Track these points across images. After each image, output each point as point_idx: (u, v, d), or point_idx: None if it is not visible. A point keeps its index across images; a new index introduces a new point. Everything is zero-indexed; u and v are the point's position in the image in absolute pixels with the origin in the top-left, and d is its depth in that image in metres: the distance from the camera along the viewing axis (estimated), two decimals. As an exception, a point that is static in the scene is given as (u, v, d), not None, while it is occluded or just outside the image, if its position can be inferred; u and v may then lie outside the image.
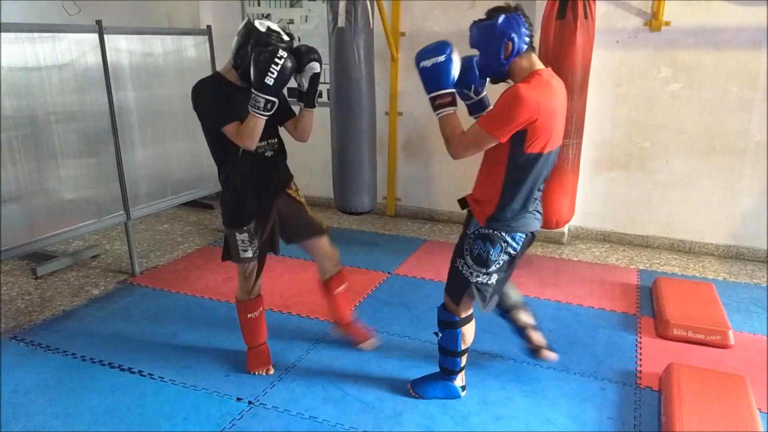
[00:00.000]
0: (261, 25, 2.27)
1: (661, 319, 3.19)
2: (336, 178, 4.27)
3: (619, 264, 4.21)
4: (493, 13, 2.07)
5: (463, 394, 2.58)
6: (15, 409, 2.50)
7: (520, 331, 2.73)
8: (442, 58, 2.07)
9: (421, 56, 2.13)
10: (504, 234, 2.21)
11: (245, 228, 2.52)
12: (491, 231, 2.22)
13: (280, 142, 2.60)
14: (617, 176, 4.50)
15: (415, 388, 2.60)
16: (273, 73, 2.18)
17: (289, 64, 2.21)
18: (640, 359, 2.92)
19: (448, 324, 2.42)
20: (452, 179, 5.00)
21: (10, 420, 2.43)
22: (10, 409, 2.51)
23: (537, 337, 2.73)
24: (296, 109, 2.61)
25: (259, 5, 5.32)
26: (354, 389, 2.66)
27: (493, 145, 2.08)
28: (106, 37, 3.58)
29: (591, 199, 4.62)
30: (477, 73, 2.22)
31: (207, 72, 4.45)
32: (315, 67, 2.36)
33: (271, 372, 2.76)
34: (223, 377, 2.75)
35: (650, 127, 4.35)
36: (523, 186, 2.14)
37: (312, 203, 5.62)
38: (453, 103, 2.13)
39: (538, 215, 2.29)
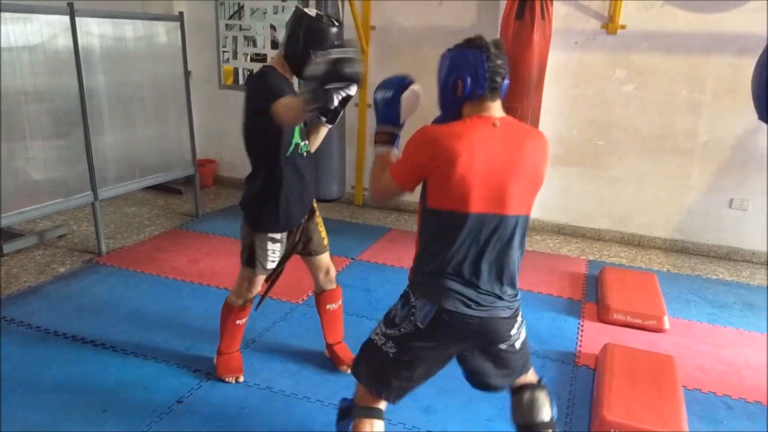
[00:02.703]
0: (311, 12, 2.20)
1: (603, 304, 3.40)
2: (305, 166, 4.40)
3: (570, 255, 4.43)
4: (460, 44, 1.76)
5: None
6: (-22, 377, 2.59)
7: None
8: (389, 93, 1.88)
9: (377, 88, 1.93)
10: (413, 296, 1.79)
11: (278, 237, 2.43)
12: (407, 287, 1.85)
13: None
14: (573, 172, 4.70)
15: None
16: (339, 97, 2.11)
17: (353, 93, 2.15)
18: (581, 340, 3.12)
19: (341, 411, 1.97)
20: (418, 171, 5.16)
21: (-26, 387, 2.52)
22: (-27, 377, 2.59)
23: None
24: None
25: (233, -6, 5.40)
26: (311, 364, 2.80)
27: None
28: (77, 20, 3.65)
29: (548, 193, 4.79)
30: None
31: (178, 58, 4.53)
32: (352, 90, 2.18)
33: (241, 380, 2.64)
34: (185, 351, 2.86)
35: (605, 126, 4.57)
36: (437, 246, 1.74)
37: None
38: (389, 142, 1.89)
39: (465, 296, 1.72)
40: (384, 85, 1.90)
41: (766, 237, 4.32)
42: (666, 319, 3.26)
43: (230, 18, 5.46)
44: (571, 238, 4.80)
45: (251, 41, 5.45)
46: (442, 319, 1.74)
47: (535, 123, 4.03)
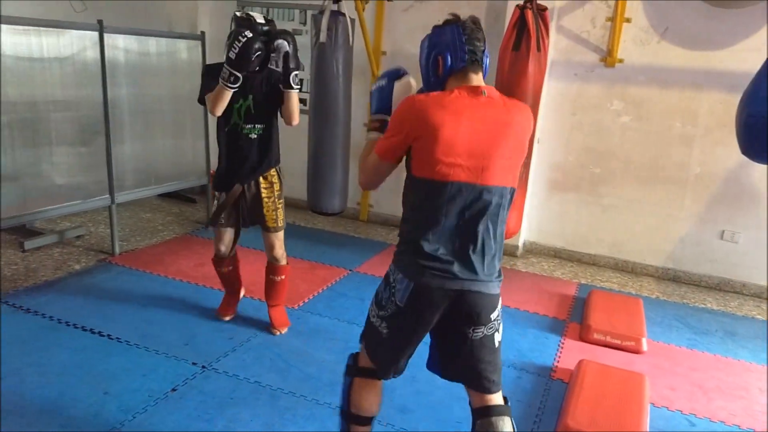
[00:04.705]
0: (242, 14, 2.79)
1: (585, 324, 3.54)
2: (310, 180, 4.61)
3: (563, 278, 4.56)
4: (437, 24, 1.85)
5: None
6: (-7, 358, 2.82)
7: None
8: (383, 82, 1.97)
9: (376, 79, 2.05)
10: (392, 275, 1.84)
11: (217, 195, 3.07)
12: (390, 265, 1.89)
13: (268, 130, 3.00)
14: (569, 198, 4.87)
15: None
16: (235, 48, 2.60)
17: (251, 42, 2.62)
18: (559, 357, 3.26)
19: (347, 366, 2.10)
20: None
21: (-11, 366, 2.75)
22: (-11, 357, 2.82)
23: None
24: None
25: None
26: (298, 363, 2.99)
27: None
28: (105, 35, 3.94)
29: (545, 218, 4.99)
30: None
31: (197, 74, 4.80)
32: (283, 46, 2.77)
33: (226, 318, 3.36)
34: (183, 345, 3.06)
35: (601, 155, 4.74)
36: (417, 215, 1.79)
37: (292, 204, 6.00)
38: (380, 129, 1.94)
39: (443, 270, 1.74)
40: (380, 76, 2.00)
41: (766, 270, 4.39)
42: (644, 341, 3.38)
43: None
44: (567, 262, 4.93)
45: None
46: (420, 294, 1.77)
47: (529, 147, 4.22)
